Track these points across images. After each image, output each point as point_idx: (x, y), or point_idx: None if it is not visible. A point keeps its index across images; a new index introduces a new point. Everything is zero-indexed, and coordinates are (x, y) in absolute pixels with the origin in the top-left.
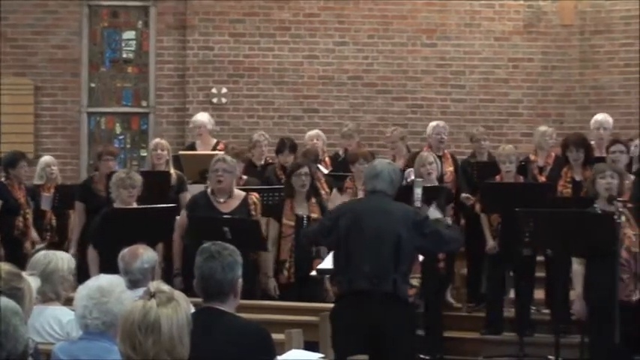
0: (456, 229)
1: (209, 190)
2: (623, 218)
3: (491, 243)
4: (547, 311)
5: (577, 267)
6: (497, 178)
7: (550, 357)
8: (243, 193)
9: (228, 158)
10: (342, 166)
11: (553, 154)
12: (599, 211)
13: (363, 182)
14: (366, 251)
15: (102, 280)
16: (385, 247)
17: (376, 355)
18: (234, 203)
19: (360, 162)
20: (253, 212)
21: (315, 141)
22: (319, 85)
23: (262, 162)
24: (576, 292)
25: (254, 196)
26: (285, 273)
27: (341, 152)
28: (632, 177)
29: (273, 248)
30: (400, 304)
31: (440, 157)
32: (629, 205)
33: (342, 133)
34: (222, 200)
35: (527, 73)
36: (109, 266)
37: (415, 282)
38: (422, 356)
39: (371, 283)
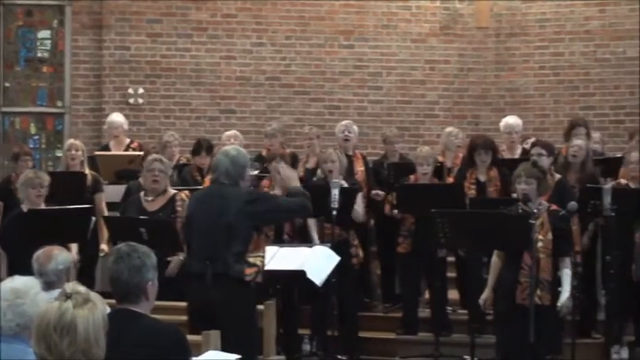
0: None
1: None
2: (538, 221)
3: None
4: (463, 311)
5: (495, 259)
6: (412, 178)
7: (466, 357)
8: (173, 192)
9: (164, 158)
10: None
11: (460, 155)
12: (521, 211)
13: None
14: (201, 235)
15: (16, 282)
16: (218, 229)
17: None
18: (162, 202)
19: (277, 161)
20: (179, 209)
21: (232, 141)
22: (236, 85)
23: (174, 162)
24: (488, 283)
25: (183, 194)
26: None
27: (264, 152)
28: (558, 176)
29: None
30: (232, 283)
31: (350, 157)
32: (553, 207)
33: (265, 132)
34: (150, 199)
35: (444, 75)
36: (22, 268)
37: (256, 261)
38: (338, 356)
39: (204, 265)
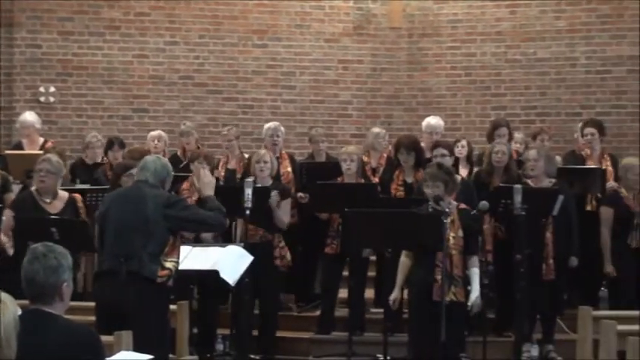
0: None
1: (34, 190)
2: (449, 219)
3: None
4: (377, 310)
5: (404, 259)
6: (340, 179)
7: (379, 355)
8: (66, 194)
9: (54, 159)
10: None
11: (385, 155)
12: (431, 209)
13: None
14: (117, 233)
15: None
16: (134, 229)
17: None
18: (60, 204)
19: (200, 161)
20: (82, 212)
21: (156, 142)
22: (149, 84)
23: (97, 162)
24: (397, 282)
25: (77, 197)
26: None
27: (179, 152)
28: (459, 176)
29: None
30: (145, 283)
31: (277, 158)
32: (462, 206)
33: (180, 131)
34: (48, 201)
35: (357, 75)
36: None
37: (170, 265)
38: (252, 356)
39: (118, 263)
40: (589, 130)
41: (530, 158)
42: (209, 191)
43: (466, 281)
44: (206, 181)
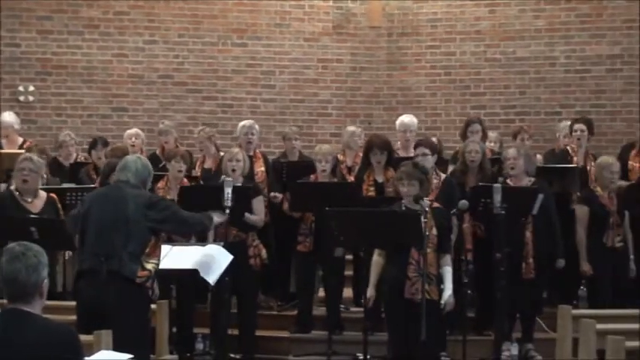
0: (202, 216)
1: (14, 189)
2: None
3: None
4: (357, 309)
5: (376, 257)
6: (313, 177)
7: (359, 354)
8: (45, 193)
9: (35, 158)
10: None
11: (360, 154)
12: (404, 208)
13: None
14: (98, 232)
15: None
16: (115, 228)
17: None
18: (41, 203)
19: (177, 160)
20: (60, 212)
21: (133, 140)
22: (129, 83)
23: (71, 161)
24: (371, 281)
25: (54, 196)
26: None
27: (158, 151)
28: (443, 175)
29: None
30: (125, 282)
31: (250, 157)
32: (435, 204)
33: (159, 130)
34: (29, 200)
35: (337, 74)
36: None
37: (151, 266)
38: (231, 355)
39: (98, 262)
40: (579, 126)
41: (509, 157)
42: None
43: (439, 280)
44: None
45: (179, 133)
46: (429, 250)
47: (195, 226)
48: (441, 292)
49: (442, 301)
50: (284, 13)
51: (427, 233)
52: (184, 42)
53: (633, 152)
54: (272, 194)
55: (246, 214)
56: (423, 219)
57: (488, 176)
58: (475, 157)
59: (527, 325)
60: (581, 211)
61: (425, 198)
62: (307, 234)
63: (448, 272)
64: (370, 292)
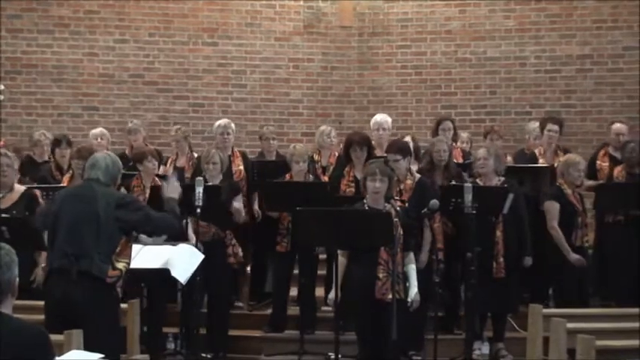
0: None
1: None
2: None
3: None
4: (328, 309)
5: (341, 258)
6: (288, 176)
7: (330, 354)
8: (22, 187)
9: (10, 152)
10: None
11: (336, 153)
12: (367, 208)
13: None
14: (68, 231)
15: None
16: (86, 227)
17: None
18: (14, 197)
19: (149, 159)
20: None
21: (99, 140)
22: (99, 83)
23: (45, 159)
24: (337, 282)
25: (36, 192)
26: None
27: (127, 150)
28: (418, 176)
29: None
30: (95, 282)
31: (229, 156)
32: (402, 205)
33: (128, 128)
34: (1, 195)
35: (308, 74)
36: None
37: (120, 265)
38: (203, 355)
39: (69, 261)
40: (552, 126)
41: (479, 156)
42: (172, 194)
43: (405, 278)
44: (173, 186)
45: (150, 133)
46: (397, 251)
47: (166, 228)
48: (407, 290)
49: (409, 299)
50: (255, 13)
51: (396, 233)
52: (155, 41)
53: (602, 152)
54: (255, 208)
55: (234, 203)
56: (396, 219)
57: (453, 175)
58: (443, 156)
59: (498, 324)
60: (553, 207)
61: (395, 198)
62: (285, 234)
63: (412, 270)
64: (333, 293)
